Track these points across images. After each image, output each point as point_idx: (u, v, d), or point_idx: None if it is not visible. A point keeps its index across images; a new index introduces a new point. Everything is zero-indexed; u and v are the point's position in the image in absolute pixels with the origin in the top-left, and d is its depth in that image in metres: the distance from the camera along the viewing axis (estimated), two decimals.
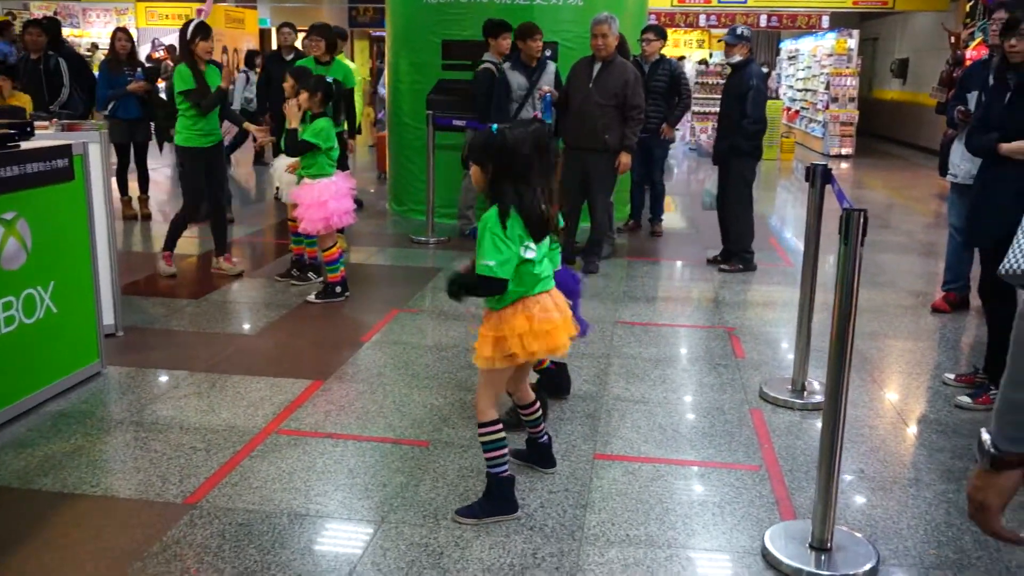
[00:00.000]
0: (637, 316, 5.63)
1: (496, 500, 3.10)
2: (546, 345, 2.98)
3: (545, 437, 3.42)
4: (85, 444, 3.61)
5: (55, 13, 18.50)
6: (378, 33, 21.67)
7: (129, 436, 3.71)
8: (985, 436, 1.37)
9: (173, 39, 11.94)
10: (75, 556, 2.80)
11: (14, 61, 9.02)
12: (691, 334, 5.36)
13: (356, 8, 21.75)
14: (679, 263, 7.29)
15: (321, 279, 5.94)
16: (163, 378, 4.38)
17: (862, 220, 2.76)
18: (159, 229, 8.14)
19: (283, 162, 6.22)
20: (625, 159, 6.52)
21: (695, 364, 4.81)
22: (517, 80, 7.01)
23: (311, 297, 5.76)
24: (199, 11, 8.53)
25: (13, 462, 3.43)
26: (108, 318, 4.72)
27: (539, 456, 3.43)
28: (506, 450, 3.11)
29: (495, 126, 2.97)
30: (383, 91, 9.58)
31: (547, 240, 3.02)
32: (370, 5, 21.26)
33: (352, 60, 13.49)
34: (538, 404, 3.38)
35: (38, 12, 18.21)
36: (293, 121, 5.46)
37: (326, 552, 2.87)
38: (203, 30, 5.95)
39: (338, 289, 5.76)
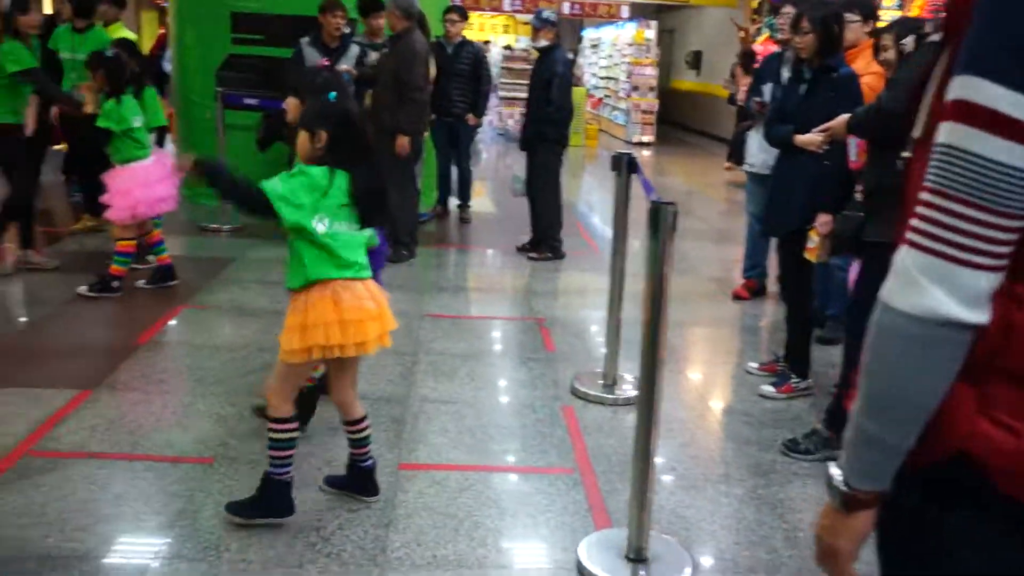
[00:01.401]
0: (445, 308, 5.39)
1: (270, 501, 2.82)
2: (354, 337, 2.71)
3: (370, 461, 3.04)
4: None
5: None
6: (167, 3, 20.19)
7: None
8: (834, 471, 1.18)
9: None
10: None
11: None
12: (501, 326, 5.18)
13: None
14: (488, 251, 7.12)
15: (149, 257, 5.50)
16: None
17: (673, 216, 2.63)
18: None
19: None
20: (401, 141, 6.10)
21: (505, 359, 4.63)
22: (313, 58, 6.52)
23: (82, 289, 5.12)
24: None
25: None
26: None
27: (361, 483, 3.04)
28: (293, 451, 2.85)
29: (332, 94, 2.80)
30: (168, 66, 8.77)
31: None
32: None
33: (137, 32, 12.36)
34: (367, 421, 3.00)
35: None
36: (89, 105, 4.88)
37: None
38: (21, 2, 5.24)
39: (115, 284, 5.16)
